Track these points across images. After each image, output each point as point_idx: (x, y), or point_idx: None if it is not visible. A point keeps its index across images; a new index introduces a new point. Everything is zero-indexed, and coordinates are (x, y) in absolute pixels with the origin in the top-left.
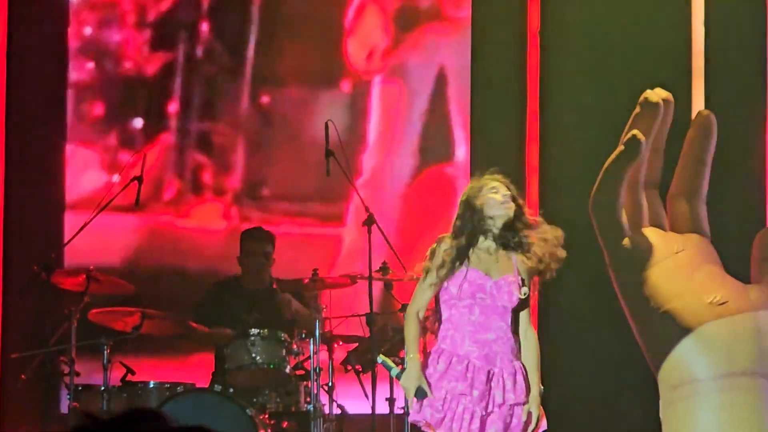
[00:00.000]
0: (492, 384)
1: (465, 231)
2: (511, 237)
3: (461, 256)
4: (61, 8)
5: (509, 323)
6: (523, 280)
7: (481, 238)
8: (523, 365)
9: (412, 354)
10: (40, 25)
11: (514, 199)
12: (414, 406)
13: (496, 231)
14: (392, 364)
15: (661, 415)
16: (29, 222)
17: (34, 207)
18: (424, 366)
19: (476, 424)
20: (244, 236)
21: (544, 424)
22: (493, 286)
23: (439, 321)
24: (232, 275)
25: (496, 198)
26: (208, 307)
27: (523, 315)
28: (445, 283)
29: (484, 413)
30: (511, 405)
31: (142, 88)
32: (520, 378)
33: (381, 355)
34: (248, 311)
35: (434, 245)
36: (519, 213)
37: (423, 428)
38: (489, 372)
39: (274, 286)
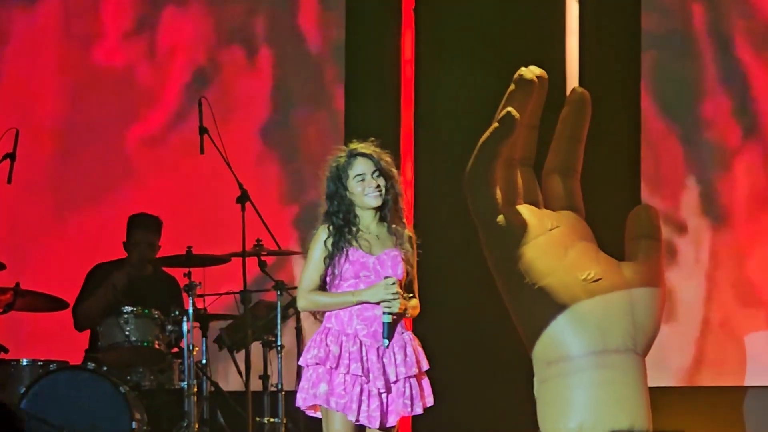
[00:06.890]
0: (384, 361)
1: (336, 222)
2: (386, 217)
3: (339, 243)
4: None
5: None
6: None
7: (357, 219)
8: (414, 336)
9: (354, 296)
10: None
11: (383, 174)
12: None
13: (365, 222)
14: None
15: (535, 392)
16: None
17: None
18: (311, 348)
19: (375, 403)
20: (129, 223)
21: (430, 401)
22: (375, 262)
23: None
24: (118, 259)
25: (363, 189)
26: (89, 289)
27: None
28: (329, 267)
29: (383, 391)
30: (406, 378)
31: None
32: (410, 350)
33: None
34: (129, 296)
35: (314, 233)
36: (388, 196)
37: (307, 411)
38: (378, 349)
39: (158, 271)
